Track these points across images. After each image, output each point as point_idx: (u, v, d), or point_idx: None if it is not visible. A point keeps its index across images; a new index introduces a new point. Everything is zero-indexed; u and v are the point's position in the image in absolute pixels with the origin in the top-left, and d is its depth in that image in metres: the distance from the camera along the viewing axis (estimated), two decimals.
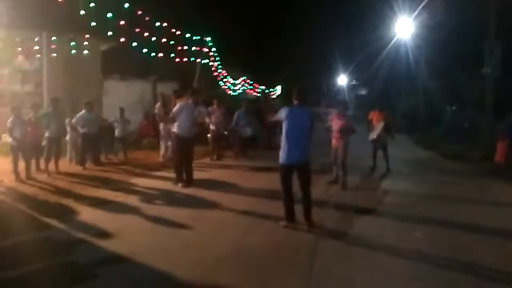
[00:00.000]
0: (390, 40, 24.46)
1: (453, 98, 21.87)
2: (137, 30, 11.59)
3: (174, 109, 8.25)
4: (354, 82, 52.79)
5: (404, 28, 22.06)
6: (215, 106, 11.72)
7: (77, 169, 9.58)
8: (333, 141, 8.38)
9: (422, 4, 19.13)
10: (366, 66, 35.13)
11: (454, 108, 22.66)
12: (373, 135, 10.04)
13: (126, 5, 10.35)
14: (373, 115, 10.51)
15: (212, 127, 11.52)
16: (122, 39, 11.48)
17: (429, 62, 21.30)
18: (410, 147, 16.83)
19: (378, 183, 9.16)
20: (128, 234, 5.20)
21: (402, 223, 6.09)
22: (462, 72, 19.77)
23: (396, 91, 27.41)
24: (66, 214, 5.95)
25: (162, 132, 10.88)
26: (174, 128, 8.15)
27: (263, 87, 32.94)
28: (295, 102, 5.68)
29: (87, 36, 11.50)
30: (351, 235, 5.41)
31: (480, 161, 12.20)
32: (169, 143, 10.65)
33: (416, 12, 20.11)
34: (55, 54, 11.93)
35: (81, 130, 9.72)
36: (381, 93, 30.68)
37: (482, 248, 5.09)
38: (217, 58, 18.34)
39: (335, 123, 8.27)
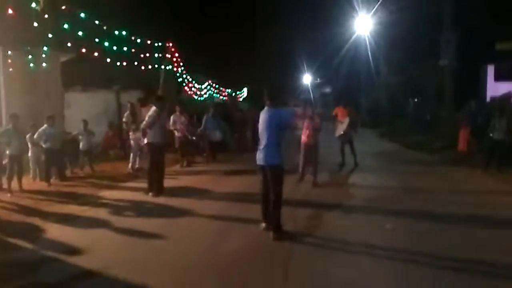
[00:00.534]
0: (351, 38, 25.00)
1: (414, 91, 22.57)
2: (97, 40, 11.33)
3: (148, 119, 8.03)
4: (318, 81, 53.49)
5: (363, 25, 22.61)
6: (178, 112, 11.59)
7: (42, 185, 9.27)
8: (303, 139, 8.45)
9: (379, 2, 19.68)
10: (329, 64, 35.69)
11: (416, 100, 23.37)
12: (340, 131, 10.25)
13: (82, 14, 10.09)
14: (338, 111, 10.73)
15: (178, 134, 11.41)
16: (83, 50, 11.17)
17: (389, 58, 21.90)
18: (376, 140, 17.24)
19: (347, 178, 9.34)
20: (100, 249, 5.08)
21: (373, 216, 6.24)
22: (421, 66, 20.45)
23: (358, 87, 28.00)
24: (33, 233, 5.74)
25: (132, 143, 10.69)
26: (147, 137, 8.05)
27: (229, 90, 32.95)
28: (267, 102, 5.53)
29: (44, 48, 11.15)
30: (324, 232, 5.49)
31: (443, 150, 12.65)
32: (139, 153, 10.51)
33: (374, 9, 20.66)
34: (11, 69, 11.51)
35: (44, 145, 9.42)
36: (344, 90, 31.26)
37: (451, 235, 5.30)
38: (181, 64, 18.18)
39: (306, 122, 8.36)
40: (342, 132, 10.19)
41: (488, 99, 19.10)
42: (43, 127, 9.43)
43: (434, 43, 15.48)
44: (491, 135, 9.32)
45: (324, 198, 7.39)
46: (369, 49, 22.76)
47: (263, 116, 5.50)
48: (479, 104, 12.36)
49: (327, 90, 51.07)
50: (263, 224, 5.53)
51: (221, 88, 30.30)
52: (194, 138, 11.64)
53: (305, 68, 49.24)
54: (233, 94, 35.04)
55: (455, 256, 4.58)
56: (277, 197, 5.30)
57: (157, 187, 8.00)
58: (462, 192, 7.71)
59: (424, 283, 4.02)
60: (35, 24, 9.19)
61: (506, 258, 4.51)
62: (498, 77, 22.37)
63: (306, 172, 8.54)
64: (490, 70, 22.51)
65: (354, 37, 24.22)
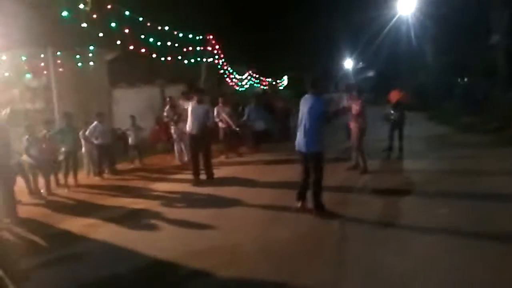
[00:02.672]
0: (392, 18, 24.14)
1: (463, 71, 21.53)
2: (142, 36, 11.58)
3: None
4: (360, 65, 52.17)
5: (406, 5, 21.75)
6: (221, 104, 11.69)
7: (96, 180, 9.68)
8: (351, 125, 8.38)
9: None
10: (371, 47, 34.73)
11: (465, 80, 22.30)
12: (393, 116, 9.71)
13: (127, 12, 10.35)
14: (393, 95, 10.22)
15: (222, 125, 11.52)
16: (130, 47, 11.45)
17: (434, 38, 20.96)
18: (425, 123, 16.65)
19: (397, 164, 9.07)
20: (155, 240, 5.24)
21: (426, 201, 6.05)
22: (469, 44, 19.44)
23: (403, 69, 27.06)
24: (91, 226, 6.00)
25: (174, 135, 10.93)
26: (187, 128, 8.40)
27: (269, 79, 32.85)
28: (310, 90, 5.70)
29: (91, 47, 11.56)
30: (376, 218, 5.38)
31: (496, 131, 12.03)
32: (183, 145, 10.73)
33: None
34: (61, 69, 12.03)
35: (95, 142, 9.80)
36: (389, 73, 30.33)
37: (507, 217, 5.06)
38: (222, 56, 18.30)
39: (352, 107, 8.26)
40: (395, 117, 9.64)
41: None
42: (93, 124, 9.81)
43: (484, 20, 14.66)
44: None
45: (374, 184, 7.23)
46: (412, 29, 21.86)
47: (303, 104, 5.67)
48: None
49: (370, 74, 49.69)
50: (298, 204, 5.75)
51: (261, 78, 30.27)
52: (238, 128, 11.70)
53: (346, 53, 48.17)
54: (274, 83, 34.91)
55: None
56: (317, 181, 5.54)
57: (206, 174, 8.41)
58: None
59: (486, 271, 3.83)
60: (84, 25, 9.52)
61: None
62: None
63: (356, 159, 8.41)
64: None
65: (396, 17, 23.39)
